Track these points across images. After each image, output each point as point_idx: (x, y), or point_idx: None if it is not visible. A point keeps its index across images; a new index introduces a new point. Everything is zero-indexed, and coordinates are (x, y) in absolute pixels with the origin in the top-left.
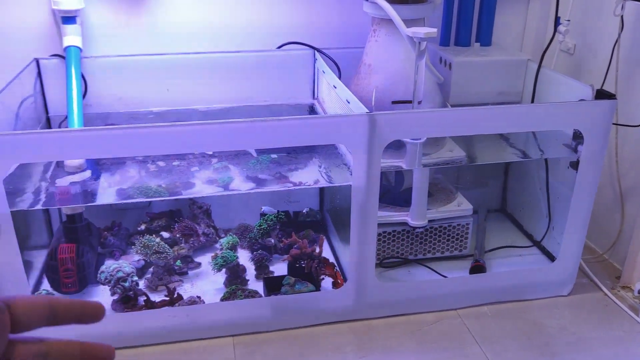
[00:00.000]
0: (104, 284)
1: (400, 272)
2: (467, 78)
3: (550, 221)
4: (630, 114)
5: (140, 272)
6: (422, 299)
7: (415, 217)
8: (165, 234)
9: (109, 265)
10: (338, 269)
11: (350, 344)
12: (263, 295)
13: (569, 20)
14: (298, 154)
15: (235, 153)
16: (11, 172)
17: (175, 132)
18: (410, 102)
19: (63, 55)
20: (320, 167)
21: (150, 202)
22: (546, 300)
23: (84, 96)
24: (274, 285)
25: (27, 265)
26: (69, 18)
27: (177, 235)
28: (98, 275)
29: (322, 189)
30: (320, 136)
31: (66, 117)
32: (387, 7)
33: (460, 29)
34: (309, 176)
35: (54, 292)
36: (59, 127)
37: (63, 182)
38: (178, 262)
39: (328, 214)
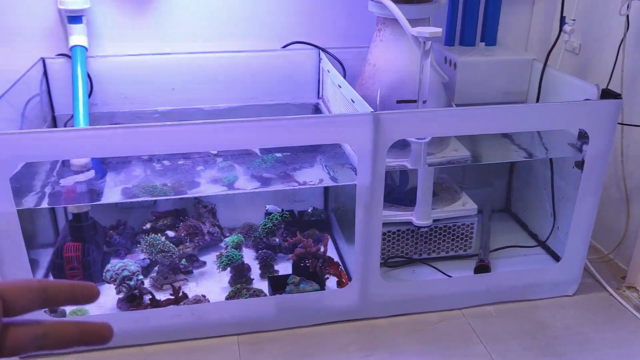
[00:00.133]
0: (109, 283)
1: (405, 271)
2: (472, 78)
3: (555, 221)
4: (635, 114)
5: (146, 270)
6: (427, 299)
7: (419, 216)
8: (171, 233)
9: (115, 263)
10: (343, 268)
11: (354, 343)
12: (268, 294)
13: (574, 20)
14: (303, 153)
15: (240, 152)
16: (17, 170)
17: (180, 131)
18: (415, 101)
19: (69, 55)
20: (325, 166)
21: (155, 201)
22: (551, 300)
23: (89, 95)
24: (278, 284)
25: (34, 264)
26: (75, 18)
27: (182, 234)
28: (104, 273)
29: (326, 189)
30: (325, 135)
31: (72, 116)
32: (392, 6)
33: (465, 28)
34: (314, 175)
35: None
36: (65, 126)
37: (67, 182)
38: (183, 261)
39: (333, 213)
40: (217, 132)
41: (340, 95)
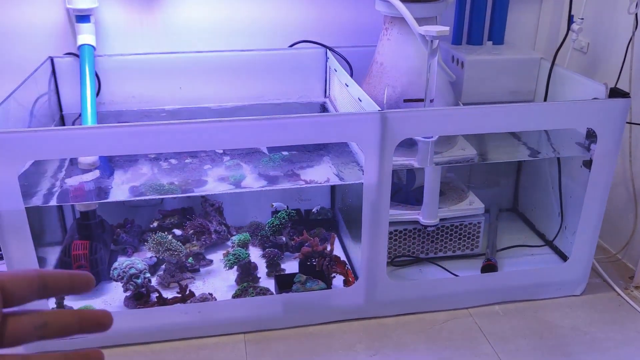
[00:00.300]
0: (116, 281)
1: (412, 270)
2: (479, 77)
3: (563, 220)
4: None
5: (153, 269)
6: (434, 298)
7: (426, 215)
8: (178, 232)
9: (122, 261)
10: (349, 267)
11: (361, 342)
12: (274, 292)
13: (582, 19)
14: (310, 152)
15: (247, 151)
16: (26, 169)
17: (187, 130)
18: (422, 100)
19: (77, 54)
20: (331, 165)
21: (162, 199)
22: (558, 300)
23: (97, 94)
24: (285, 283)
25: (41, 262)
26: (83, 17)
27: (189, 233)
28: (111, 271)
29: (333, 187)
30: (331, 134)
31: (80, 115)
32: (400, 5)
33: (472, 27)
34: (321, 174)
35: None
36: (73, 125)
37: (73, 181)
38: (190, 259)
39: (339, 212)
40: (224, 130)
41: (347, 94)
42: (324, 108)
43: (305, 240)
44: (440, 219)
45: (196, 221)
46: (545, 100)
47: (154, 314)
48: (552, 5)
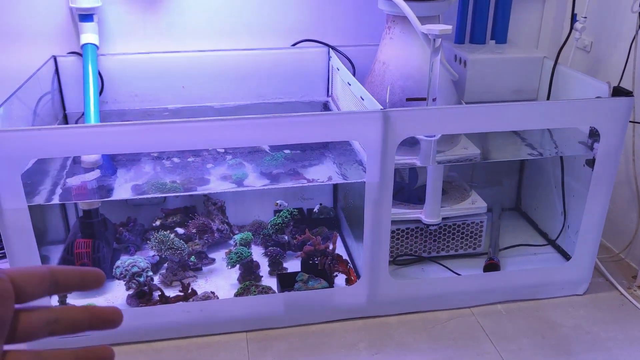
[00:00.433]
0: (119, 279)
1: (414, 269)
2: (482, 76)
3: (566, 220)
4: None
5: (155, 267)
6: (436, 297)
7: (429, 214)
8: (180, 230)
9: (124, 260)
10: (351, 265)
11: (363, 341)
12: (276, 291)
13: (585, 17)
14: (312, 151)
15: (249, 150)
16: (29, 167)
17: (190, 128)
18: (424, 99)
19: (80, 53)
20: (334, 163)
21: (165, 198)
22: (561, 299)
23: (100, 93)
24: (287, 282)
25: (44, 260)
26: (86, 16)
27: (192, 231)
28: (113, 270)
29: (335, 186)
30: (334, 133)
31: (83, 114)
32: (402, 4)
33: (475, 26)
34: (323, 173)
35: None
36: (76, 123)
37: (74, 181)
38: (192, 258)
39: (342, 211)
40: (227, 129)
41: (349, 93)
42: (326, 107)
43: (308, 239)
44: (443, 218)
45: (198, 220)
46: (548, 99)
47: (156, 312)
48: (555, 4)
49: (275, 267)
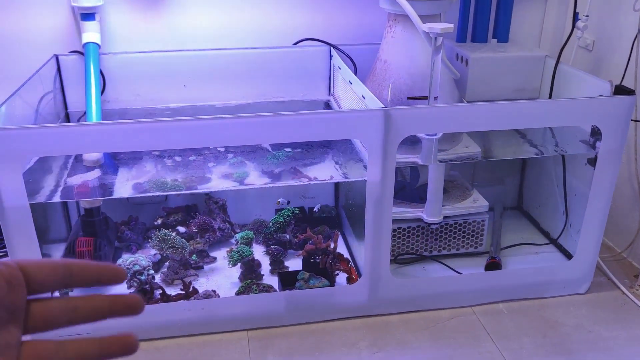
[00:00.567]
0: None
1: (415, 268)
2: (483, 74)
3: (567, 219)
4: None
5: (157, 266)
6: (437, 296)
7: (430, 213)
8: (182, 229)
9: (126, 258)
10: (352, 264)
11: (364, 340)
12: (278, 290)
13: (587, 16)
14: (313, 149)
15: (251, 148)
16: (31, 165)
17: (191, 127)
18: (426, 98)
19: (82, 52)
20: (335, 162)
21: (166, 197)
22: (563, 298)
23: (102, 92)
24: (288, 280)
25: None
26: (88, 15)
27: (193, 230)
28: None
29: (337, 185)
30: (335, 131)
31: (85, 113)
32: (404, 2)
33: (477, 25)
34: (324, 171)
35: None
36: (78, 122)
37: (74, 180)
38: (194, 257)
39: (343, 209)
40: (228, 127)
41: (351, 92)
42: (328, 106)
43: (309, 237)
44: (444, 217)
45: (200, 218)
46: (550, 98)
47: (157, 310)
48: (557, 2)
49: (277, 266)
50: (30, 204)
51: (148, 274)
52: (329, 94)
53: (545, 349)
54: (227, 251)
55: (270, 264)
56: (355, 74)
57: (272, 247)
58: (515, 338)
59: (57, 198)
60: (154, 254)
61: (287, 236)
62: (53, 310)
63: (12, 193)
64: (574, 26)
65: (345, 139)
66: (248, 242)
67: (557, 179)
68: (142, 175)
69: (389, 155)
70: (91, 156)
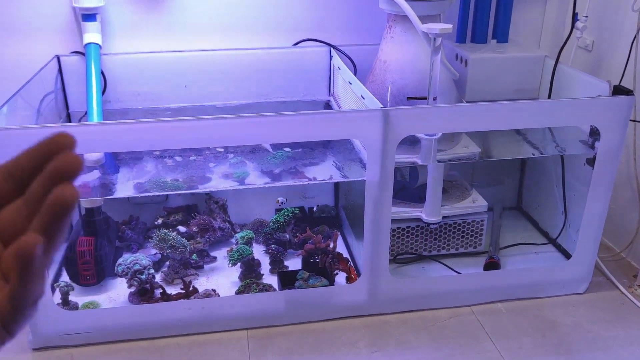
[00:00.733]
0: (121, 277)
1: (414, 268)
2: (483, 75)
3: (566, 218)
4: None
5: (157, 265)
6: (436, 295)
7: (429, 213)
8: (182, 228)
9: (126, 258)
10: (352, 264)
11: (363, 339)
12: (277, 289)
13: (586, 17)
14: (313, 150)
15: (251, 148)
16: None
17: (192, 127)
18: (425, 98)
19: (83, 52)
20: (335, 162)
21: (167, 196)
22: (561, 298)
23: (103, 92)
24: (288, 280)
25: None
26: (89, 15)
27: (194, 230)
28: (115, 267)
29: (337, 185)
30: (335, 131)
31: (86, 113)
32: (403, 3)
33: (476, 25)
34: (324, 171)
35: (73, 284)
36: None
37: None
38: (194, 256)
39: (343, 209)
40: (228, 127)
41: (350, 92)
42: (328, 106)
43: (309, 237)
44: (443, 217)
45: (200, 218)
46: (549, 98)
47: (157, 309)
48: (557, 3)
49: (276, 265)
50: None
51: (148, 273)
52: (329, 94)
53: (544, 349)
54: (227, 251)
55: (270, 263)
56: (355, 74)
57: (272, 246)
58: (514, 338)
59: None
60: (155, 254)
61: (287, 236)
62: (12, 208)
63: None
64: (573, 26)
65: (344, 139)
66: (248, 242)
67: (556, 179)
68: (143, 175)
69: (388, 155)
70: (92, 156)
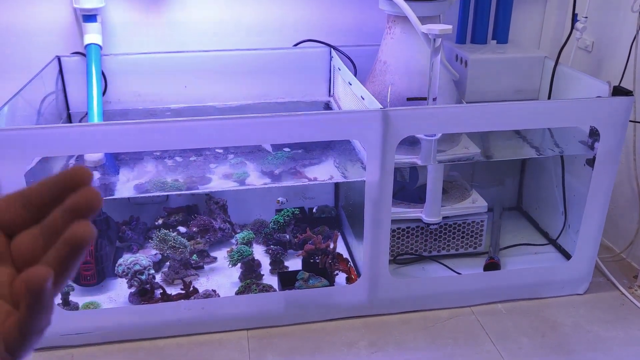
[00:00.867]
0: (121, 277)
1: (414, 268)
2: (483, 76)
3: (566, 219)
4: None
5: (157, 265)
6: (436, 296)
7: (429, 213)
8: (182, 229)
9: (127, 258)
10: (352, 264)
11: (363, 339)
12: (277, 289)
13: (586, 17)
14: (313, 150)
15: (251, 149)
16: (32, 166)
17: (192, 127)
18: (425, 99)
19: (84, 53)
20: (334, 162)
21: (167, 197)
22: (561, 298)
23: (103, 93)
24: (288, 280)
25: None
26: (89, 16)
27: (194, 230)
28: (116, 268)
29: (337, 185)
30: (334, 131)
31: (86, 114)
32: (403, 4)
33: (476, 26)
34: (324, 172)
35: (73, 285)
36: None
37: None
38: (194, 256)
39: (343, 210)
40: (229, 128)
41: (350, 93)
42: (328, 107)
43: (309, 237)
44: (443, 217)
45: (200, 219)
46: (549, 99)
47: (158, 310)
48: (556, 4)
49: (276, 266)
50: None
51: (149, 274)
52: (329, 95)
53: (544, 349)
54: (227, 251)
55: (270, 264)
56: (355, 75)
57: (272, 247)
58: (514, 338)
59: None
60: (155, 254)
61: (287, 236)
62: (28, 235)
63: None
64: (573, 27)
65: (344, 139)
66: (248, 242)
67: (556, 180)
68: (143, 175)
69: (387, 155)
70: (92, 156)
